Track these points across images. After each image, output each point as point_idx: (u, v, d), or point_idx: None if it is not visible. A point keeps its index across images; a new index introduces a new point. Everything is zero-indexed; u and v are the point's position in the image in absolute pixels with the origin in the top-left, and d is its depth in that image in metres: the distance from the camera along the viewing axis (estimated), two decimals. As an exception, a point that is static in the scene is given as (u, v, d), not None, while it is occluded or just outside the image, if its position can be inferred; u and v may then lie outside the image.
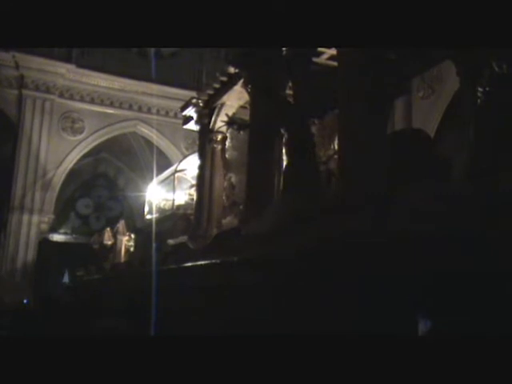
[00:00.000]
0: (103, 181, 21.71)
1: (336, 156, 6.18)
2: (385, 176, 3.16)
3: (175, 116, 18.93)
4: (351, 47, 5.44)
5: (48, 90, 17.01)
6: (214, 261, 4.16)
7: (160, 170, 18.85)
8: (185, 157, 12.15)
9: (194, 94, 18.50)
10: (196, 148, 18.74)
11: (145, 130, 18.96)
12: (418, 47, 3.73)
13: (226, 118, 7.89)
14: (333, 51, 5.63)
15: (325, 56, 6.04)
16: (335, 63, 5.72)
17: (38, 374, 3.71)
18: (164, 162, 18.66)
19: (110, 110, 18.16)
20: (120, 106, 18.35)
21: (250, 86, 6.69)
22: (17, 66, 16.54)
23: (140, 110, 18.65)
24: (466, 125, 3.09)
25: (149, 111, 18.78)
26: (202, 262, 4.22)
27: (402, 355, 2.19)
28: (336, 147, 6.29)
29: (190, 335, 3.80)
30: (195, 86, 18.84)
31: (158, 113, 18.89)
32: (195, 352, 3.25)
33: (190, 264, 4.61)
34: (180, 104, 18.55)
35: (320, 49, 5.78)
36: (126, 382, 3.27)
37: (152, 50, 18.60)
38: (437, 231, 2.09)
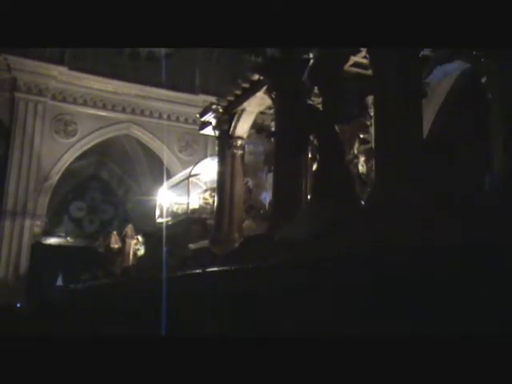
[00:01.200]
0: (96, 183, 21.61)
1: (356, 160, 6.35)
2: (421, 180, 3.18)
3: (168, 118, 18.91)
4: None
5: (40, 93, 16.90)
6: (245, 265, 4.13)
7: (153, 173, 18.81)
8: (198, 161, 12.25)
9: (186, 96, 18.68)
10: (190, 150, 18.83)
11: (138, 133, 18.89)
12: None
13: (246, 124, 8.02)
14: (356, 58, 5.74)
15: (349, 63, 6.14)
16: (358, 70, 5.85)
17: (38, 375, 3.69)
18: (157, 164, 18.61)
19: (102, 113, 18.07)
20: (113, 109, 18.26)
21: (274, 93, 6.76)
22: (9, 69, 16.43)
23: (133, 112, 18.57)
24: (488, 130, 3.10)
25: (142, 113, 18.71)
26: (232, 267, 4.20)
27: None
28: (355, 152, 6.44)
29: (215, 340, 3.77)
30: (188, 87, 18.85)
31: (151, 115, 18.83)
32: (222, 359, 3.25)
33: (217, 269, 4.58)
34: (173, 106, 18.74)
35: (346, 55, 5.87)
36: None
37: (144, 53, 18.55)
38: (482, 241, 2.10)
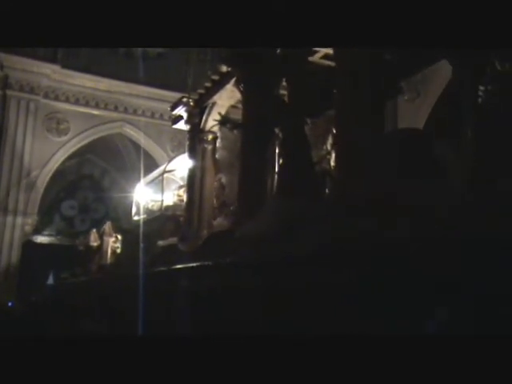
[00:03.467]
0: (88, 182, 21.52)
1: (328, 156, 6.20)
2: (384, 176, 3.19)
3: (161, 117, 18.86)
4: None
5: (33, 91, 16.81)
6: (206, 263, 4.13)
7: (146, 172, 18.75)
8: (173, 157, 12.03)
9: (180, 95, 18.55)
10: (183, 149, 18.78)
11: (130, 132, 18.85)
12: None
13: (217, 118, 7.80)
14: (327, 50, 5.64)
15: (318, 55, 6.04)
16: (329, 62, 5.76)
17: (24, 375, 3.67)
18: (150, 164, 18.57)
19: (95, 111, 18.02)
20: (105, 107, 18.21)
21: (242, 85, 6.62)
22: (1, 66, 16.33)
23: (126, 111, 18.53)
24: (463, 125, 3.12)
25: (135, 113, 18.67)
26: (194, 264, 4.19)
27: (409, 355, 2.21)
28: (328, 147, 6.30)
29: (179, 337, 3.78)
30: (181, 87, 18.81)
31: (143, 114, 18.79)
32: (186, 355, 3.24)
33: (180, 266, 4.56)
34: (166, 105, 18.57)
35: (315, 48, 5.80)
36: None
37: (138, 51, 18.51)
38: (442, 234, 2.12)
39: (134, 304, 5.40)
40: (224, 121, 7.50)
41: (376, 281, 2.43)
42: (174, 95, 18.63)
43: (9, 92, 16.54)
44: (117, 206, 19.59)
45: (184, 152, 18.36)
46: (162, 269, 5.37)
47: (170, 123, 18.81)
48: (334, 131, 4.62)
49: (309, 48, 5.53)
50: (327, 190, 4.99)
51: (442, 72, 6.99)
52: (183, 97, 8.80)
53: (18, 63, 16.33)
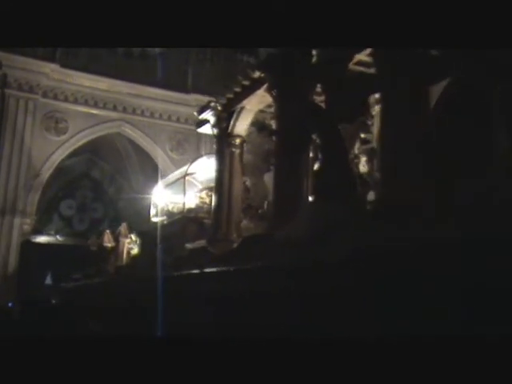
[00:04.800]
0: (87, 182, 21.49)
1: (356, 160, 6.27)
2: (427, 180, 3.16)
3: (160, 117, 18.84)
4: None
5: (31, 90, 16.76)
6: (242, 266, 4.09)
7: (145, 171, 18.73)
8: (194, 160, 12.12)
9: (178, 95, 18.61)
10: (181, 149, 18.77)
11: (129, 131, 18.80)
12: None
13: (246, 122, 7.90)
14: (359, 56, 5.69)
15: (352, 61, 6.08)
16: (361, 68, 5.80)
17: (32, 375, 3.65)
18: (149, 163, 18.55)
19: (94, 111, 17.96)
20: (104, 107, 18.16)
21: (275, 91, 6.68)
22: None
23: (125, 110, 18.48)
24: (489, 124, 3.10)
25: (133, 112, 18.62)
26: (230, 268, 4.15)
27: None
28: (356, 152, 6.37)
29: (210, 342, 3.73)
30: (180, 86, 18.78)
31: (142, 114, 18.75)
32: (214, 360, 3.22)
33: (215, 269, 4.53)
34: (165, 105, 18.67)
35: (315, 48, 5.79)
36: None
37: (137, 51, 18.47)
38: (488, 235, 2.08)
39: (161, 306, 5.37)
40: (261, 127, 7.54)
41: (409, 286, 2.41)
42: (174, 95, 18.69)
43: (7, 91, 16.48)
44: (127, 207, 19.51)
45: (185, 151, 18.57)
46: (194, 271, 5.30)
47: (169, 123, 18.91)
48: (367, 134, 4.59)
49: (311, 48, 5.52)
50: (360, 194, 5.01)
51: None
52: (211, 101, 8.84)
53: (16, 62, 16.27)
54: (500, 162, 2.83)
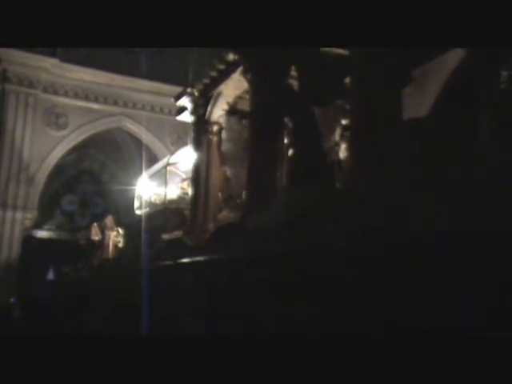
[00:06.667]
0: (88, 176, 21.49)
1: (337, 147, 6.10)
2: (400, 167, 3.13)
3: (161, 111, 18.80)
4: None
5: (31, 85, 16.73)
6: (214, 256, 4.07)
7: (146, 166, 18.69)
8: (176, 150, 11.86)
9: (179, 89, 18.43)
10: (182, 143, 18.72)
11: (130, 126, 18.79)
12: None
13: (223, 108, 7.57)
14: None
15: None
16: (339, 51, 5.61)
17: (27, 373, 3.64)
18: (150, 158, 18.52)
19: (94, 106, 17.94)
20: (105, 102, 18.13)
21: (250, 74, 6.42)
22: (-1, 60, 16.28)
23: (125, 105, 18.46)
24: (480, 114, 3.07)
25: (134, 107, 18.60)
26: (203, 258, 4.13)
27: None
28: (337, 138, 6.18)
29: (186, 335, 3.73)
30: (181, 81, 18.70)
31: (143, 108, 18.72)
32: (192, 351, 3.20)
33: (188, 260, 4.50)
34: (165, 99, 18.55)
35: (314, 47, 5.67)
36: (116, 381, 3.22)
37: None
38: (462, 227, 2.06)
39: (139, 299, 5.35)
40: (232, 111, 7.28)
41: (392, 272, 2.39)
42: (174, 89, 18.57)
43: (7, 86, 16.47)
44: (117, 200, 19.54)
45: (185, 145, 18.53)
46: (169, 263, 5.30)
47: (169, 117, 18.84)
48: (348, 120, 4.51)
49: (309, 48, 5.43)
50: (337, 180, 4.88)
51: (443, 65, 6.93)
52: (187, 87, 8.55)
53: (16, 57, 16.23)
54: (481, 158, 2.80)
